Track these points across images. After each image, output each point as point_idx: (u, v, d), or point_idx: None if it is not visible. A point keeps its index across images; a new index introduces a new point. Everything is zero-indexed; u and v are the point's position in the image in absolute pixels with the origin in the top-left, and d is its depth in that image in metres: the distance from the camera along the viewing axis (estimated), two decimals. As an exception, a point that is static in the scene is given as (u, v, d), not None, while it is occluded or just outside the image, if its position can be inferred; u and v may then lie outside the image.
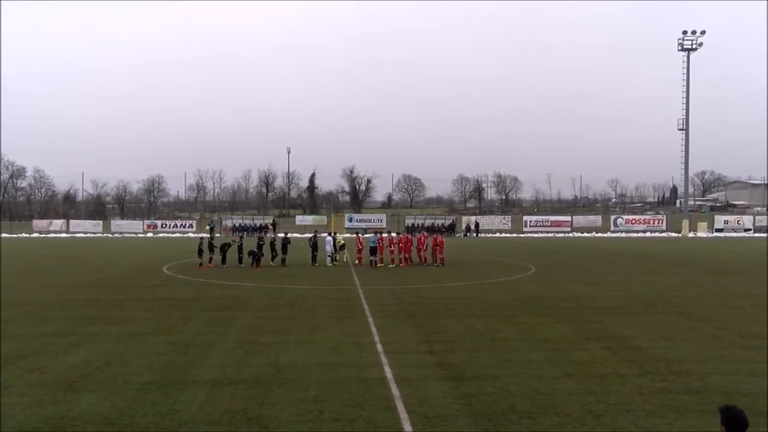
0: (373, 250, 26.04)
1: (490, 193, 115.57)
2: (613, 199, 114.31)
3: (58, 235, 58.94)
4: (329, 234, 28.70)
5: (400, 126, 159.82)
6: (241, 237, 29.31)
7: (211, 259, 25.63)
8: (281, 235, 29.13)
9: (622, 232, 60.21)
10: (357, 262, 26.38)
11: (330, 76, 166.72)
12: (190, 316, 13.94)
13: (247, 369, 9.37)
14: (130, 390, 8.31)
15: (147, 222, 66.80)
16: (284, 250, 26.31)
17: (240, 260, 25.78)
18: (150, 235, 61.30)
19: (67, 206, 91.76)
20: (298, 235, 28.53)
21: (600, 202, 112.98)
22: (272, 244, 26.45)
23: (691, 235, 56.93)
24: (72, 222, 64.36)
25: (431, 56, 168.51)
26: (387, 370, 9.21)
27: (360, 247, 26.43)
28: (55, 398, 8.02)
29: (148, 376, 8.99)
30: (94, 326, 12.76)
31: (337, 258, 26.97)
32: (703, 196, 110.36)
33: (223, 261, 25.43)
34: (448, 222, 61.36)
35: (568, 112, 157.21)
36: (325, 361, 9.82)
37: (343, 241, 27.88)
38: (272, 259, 26.01)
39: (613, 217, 65.21)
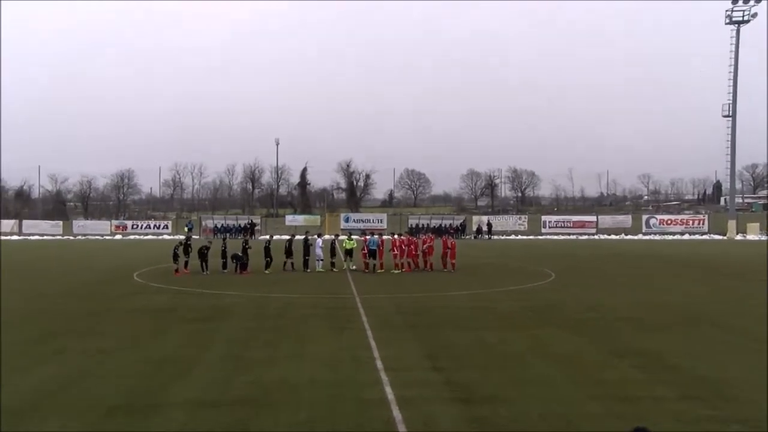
0: (373, 253, 26.10)
1: (504, 190, 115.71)
2: (645, 197, 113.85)
3: (9, 237, 58.79)
4: (319, 235, 28.78)
5: (402, 115, 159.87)
6: (224, 239, 29.38)
7: (186, 263, 25.64)
8: (286, 237, 29.25)
9: (655, 234, 60.19)
10: (365, 268, 26.36)
11: (323, 59, 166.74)
12: (166, 329, 13.95)
13: (230, 388, 9.39)
14: (96, 414, 8.30)
15: (115, 222, 66.89)
16: (288, 253, 26.63)
17: (224, 265, 25.87)
18: (119, 237, 61.37)
19: (20, 204, 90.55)
20: (288, 238, 28.76)
21: (630, 199, 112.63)
22: (267, 248, 26.50)
23: (739, 237, 56.29)
24: (26, 222, 64.23)
25: (437, 40, 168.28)
26: (387, 389, 9.22)
27: (366, 251, 26.47)
28: (8, 425, 7.99)
29: (117, 397, 9.00)
30: (53, 342, 12.71)
31: (346, 264, 27.07)
32: (753, 193, 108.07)
33: (204, 267, 25.45)
34: (456, 222, 61.42)
35: (591, 100, 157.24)
36: (319, 378, 9.84)
37: (353, 244, 27.68)
38: (267, 266, 26.09)
39: (645, 217, 65.15)
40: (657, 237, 58.30)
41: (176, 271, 25.30)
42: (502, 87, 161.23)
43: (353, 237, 28.82)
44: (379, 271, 25.98)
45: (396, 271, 25.84)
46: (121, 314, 16.00)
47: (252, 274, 25.13)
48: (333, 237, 29.40)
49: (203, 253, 25.60)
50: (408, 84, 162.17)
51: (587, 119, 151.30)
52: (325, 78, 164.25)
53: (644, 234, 60.55)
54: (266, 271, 25.78)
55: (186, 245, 26.13)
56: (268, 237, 28.93)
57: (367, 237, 27.19)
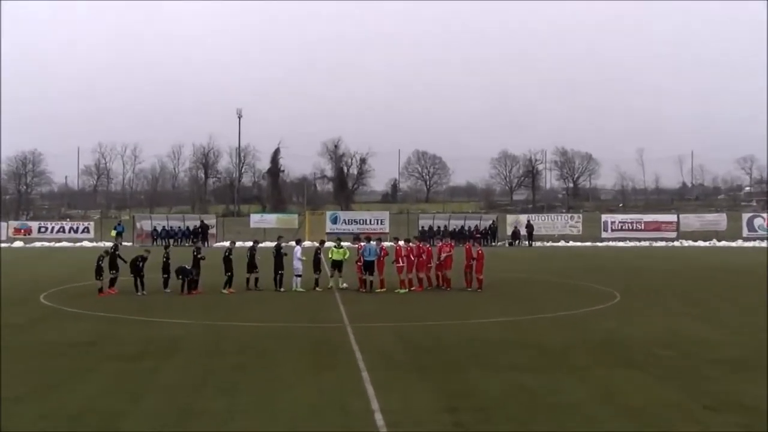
0: (371, 266, 26.07)
1: (550, 180, 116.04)
2: (747, 188, 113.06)
3: None
4: (298, 242, 28.72)
5: (410, 80, 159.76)
6: (167, 247, 29.40)
7: (114, 280, 25.62)
8: (249, 243, 29.25)
9: (762, 239, 59.89)
10: (360, 287, 26.44)
11: (301, 5, 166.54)
12: (85, 371, 13.85)
13: (172, 451, 9.32)
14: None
15: (14, 224, 67.03)
16: (251, 266, 26.81)
17: (166, 282, 25.91)
18: (19, 244, 61.32)
19: None
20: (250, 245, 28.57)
21: (724, 191, 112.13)
22: (227, 259, 26.47)
23: None
24: None
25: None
26: (390, 453, 9.17)
27: (360, 263, 26.48)
28: None
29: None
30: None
31: (333, 282, 27.17)
32: None
33: (139, 285, 25.46)
34: (484, 223, 61.43)
35: (667, 57, 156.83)
36: (295, 439, 9.78)
37: (345, 252, 27.54)
38: (226, 284, 26.20)
39: (746, 216, 65.01)
40: (764, 244, 58.00)
41: (100, 290, 25.27)
42: (544, 46, 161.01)
43: (343, 244, 28.70)
44: (378, 290, 25.94)
45: (401, 291, 25.80)
46: (20, 351, 15.85)
47: (205, 295, 25.07)
48: (317, 244, 29.35)
49: (138, 267, 25.59)
50: (418, 42, 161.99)
51: (663, 83, 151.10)
52: (304, 31, 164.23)
53: (745, 240, 60.39)
54: (224, 291, 25.82)
55: (114, 255, 26.10)
56: (228, 244, 28.91)
57: (362, 244, 27.15)
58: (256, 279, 26.81)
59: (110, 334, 17.88)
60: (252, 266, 26.85)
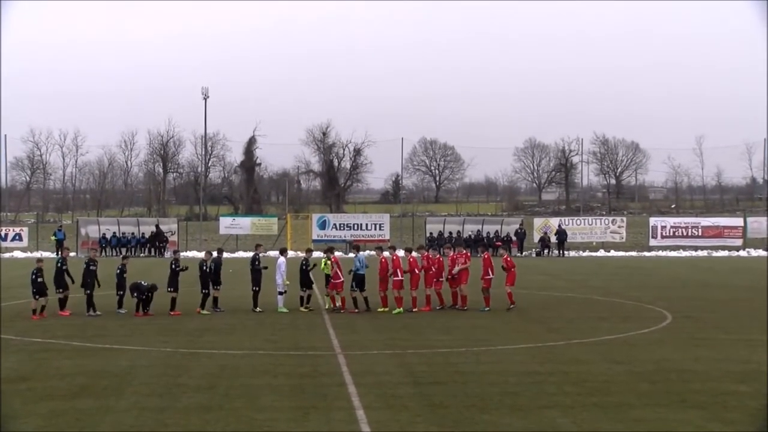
0: (362, 280, 26.14)
1: (587, 174, 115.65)
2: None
3: None
4: (281, 252, 28.57)
5: (415, 55, 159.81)
6: (125, 258, 29.30)
7: (64, 301, 25.59)
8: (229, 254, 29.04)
9: None
10: (341, 307, 26.48)
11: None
12: (11, 412, 13.72)
13: None
14: None
15: None
16: (215, 281, 26.72)
17: (120, 301, 26.01)
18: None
19: None
20: (221, 255, 28.47)
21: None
22: (206, 272, 26.35)
23: None
24: None
25: None
26: None
27: (339, 280, 26.39)
28: None
29: None
30: None
31: (328, 303, 27.16)
32: None
33: (90, 306, 25.50)
34: (509, 228, 61.29)
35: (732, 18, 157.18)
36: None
37: (332, 264, 27.17)
38: (204, 305, 26.31)
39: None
40: None
41: (40, 311, 25.10)
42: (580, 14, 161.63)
43: (334, 255, 28.29)
44: (380, 309, 25.98)
45: (397, 311, 25.72)
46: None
47: (167, 317, 25.07)
48: (303, 255, 29.21)
49: (91, 278, 25.55)
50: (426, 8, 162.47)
51: (726, 56, 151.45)
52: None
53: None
54: (204, 311, 25.89)
55: (61, 270, 25.84)
56: (203, 255, 28.75)
57: (337, 254, 26.86)
58: (215, 299, 26.68)
59: (46, 365, 17.82)
60: (216, 281, 26.62)
